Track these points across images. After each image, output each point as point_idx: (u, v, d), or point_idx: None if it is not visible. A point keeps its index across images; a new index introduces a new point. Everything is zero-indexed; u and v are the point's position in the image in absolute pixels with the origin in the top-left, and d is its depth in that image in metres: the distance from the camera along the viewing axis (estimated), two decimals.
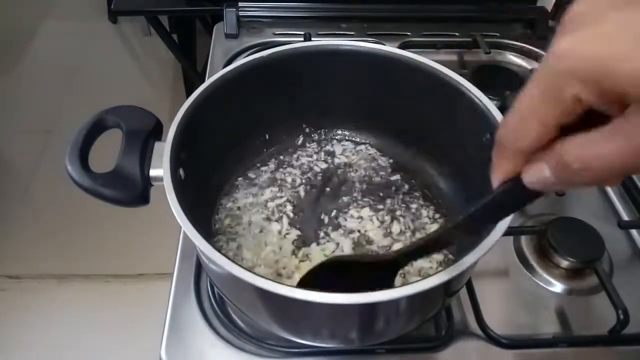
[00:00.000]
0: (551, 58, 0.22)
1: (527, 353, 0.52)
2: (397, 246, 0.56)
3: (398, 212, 0.59)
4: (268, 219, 0.58)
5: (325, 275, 0.43)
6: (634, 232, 0.63)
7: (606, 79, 0.20)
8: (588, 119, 0.22)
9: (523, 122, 0.24)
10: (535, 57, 0.87)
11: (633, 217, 0.65)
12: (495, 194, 0.28)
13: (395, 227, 0.57)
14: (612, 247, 0.59)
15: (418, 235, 0.57)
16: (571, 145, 0.22)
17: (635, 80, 0.19)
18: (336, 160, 0.64)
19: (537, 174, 0.24)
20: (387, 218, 0.58)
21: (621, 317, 0.51)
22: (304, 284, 0.44)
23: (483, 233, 0.35)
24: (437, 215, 0.59)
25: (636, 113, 0.20)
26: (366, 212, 0.59)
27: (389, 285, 0.40)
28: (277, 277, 0.53)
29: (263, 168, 0.63)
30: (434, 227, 0.58)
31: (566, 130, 0.23)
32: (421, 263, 0.54)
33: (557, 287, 0.57)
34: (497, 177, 0.27)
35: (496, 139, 0.26)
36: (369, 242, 0.56)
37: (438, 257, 0.55)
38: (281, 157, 0.64)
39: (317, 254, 0.55)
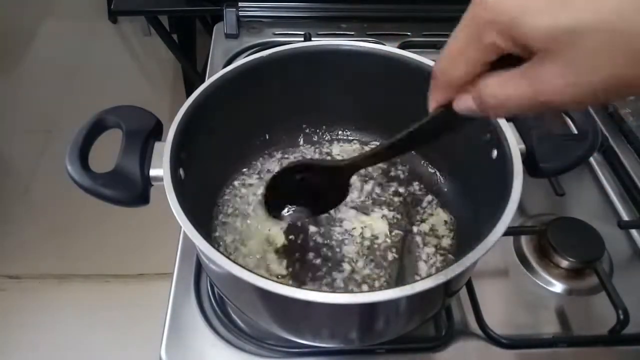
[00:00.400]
0: (477, 6, 0.26)
1: (527, 353, 0.52)
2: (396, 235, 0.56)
3: (398, 210, 0.59)
4: (267, 218, 0.58)
5: (288, 180, 0.48)
6: (634, 232, 0.63)
7: (515, 31, 0.24)
8: (509, 58, 0.26)
9: (452, 60, 0.28)
10: None
11: (633, 217, 0.65)
12: (430, 117, 0.33)
13: (396, 220, 0.58)
14: (612, 247, 0.59)
15: (416, 228, 0.57)
16: (488, 83, 0.27)
17: (536, 34, 0.23)
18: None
19: (464, 104, 0.29)
20: (388, 214, 0.58)
21: (621, 317, 0.51)
22: (269, 189, 0.49)
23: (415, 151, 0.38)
24: (436, 213, 0.59)
25: (538, 62, 0.24)
26: (368, 209, 0.59)
27: (345, 188, 0.48)
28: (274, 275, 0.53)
29: (263, 168, 0.63)
30: (433, 222, 0.58)
31: (492, 65, 0.27)
32: (421, 266, 0.54)
33: (557, 287, 0.57)
34: (432, 103, 0.31)
35: (432, 73, 0.30)
36: (374, 236, 0.57)
37: (438, 256, 0.55)
38: (281, 157, 0.64)
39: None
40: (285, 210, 0.51)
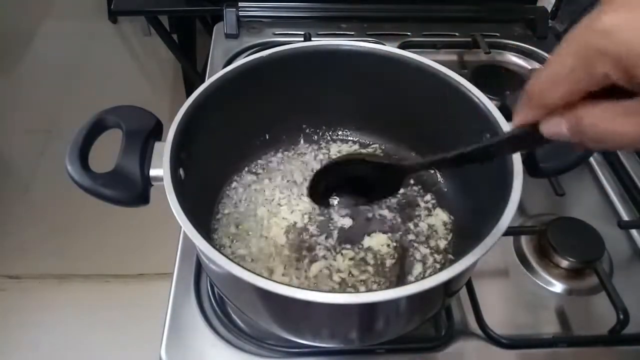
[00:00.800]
0: (591, 31, 0.23)
1: (527, 353, 0.52)
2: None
3: (397, 210, 0.59)
4: (267, 218, 0.58)
5: (334, 174, 0.49)
6: (634, 232, 0.63)
7: (635, 67, 0.22)
8: (612, 89, 0.24)
9: (553, 84, 0.26)
10: (536, 57, 0.87)
11: (633, 217, 0.65)
12: (511, 133, 0.32)
13: (396, 220, 0.58)
14: (612, 247, 0.59)
15: (411, 225, 0.57)
16: (590, 113, 0.25)
17: None
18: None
19: (554, 127, 0.28)
20: (388, 215, 0.58)
21: (621, 317, 0.51)
22: (314, 182, 0.50)
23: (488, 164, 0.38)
24: (435, 211, 0.59)
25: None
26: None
27: (396, 189, 0.48)
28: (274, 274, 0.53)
29: (263, 168, 0.63)
30: (432, 222, 0.58)
31: (590, 94, 0.25)
32: (419, 268, 0.54)
33: (557, 287, 0.57)
34: (518, 120, 0.30)
35: (526, 90, 0.28)
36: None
37: (437, 256, 0.55)
38: (281, 157, 0.64)
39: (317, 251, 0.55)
40: (330, 199, 0.54)
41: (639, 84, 0.22)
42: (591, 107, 0.25)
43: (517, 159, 0.45)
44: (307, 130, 0.66)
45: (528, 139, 0.31)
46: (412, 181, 0.62)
